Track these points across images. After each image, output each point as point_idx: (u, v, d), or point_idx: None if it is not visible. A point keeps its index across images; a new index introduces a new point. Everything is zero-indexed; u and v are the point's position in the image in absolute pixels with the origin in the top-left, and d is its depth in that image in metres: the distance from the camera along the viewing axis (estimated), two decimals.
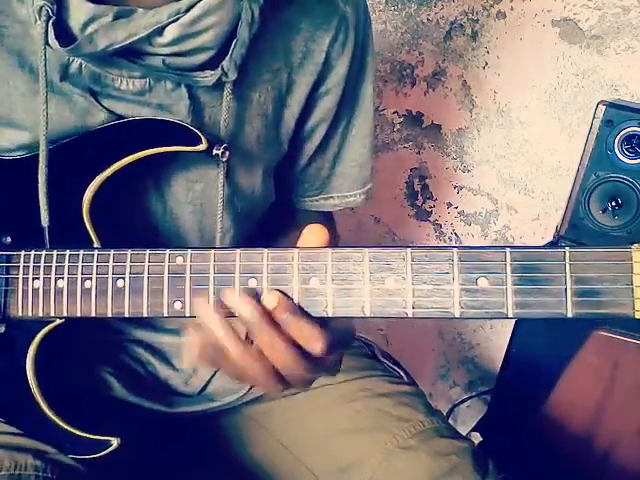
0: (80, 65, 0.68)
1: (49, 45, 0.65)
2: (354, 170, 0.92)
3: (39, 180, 0.68)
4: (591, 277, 0.49)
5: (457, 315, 0.52)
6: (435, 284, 0.52)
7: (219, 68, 0.69)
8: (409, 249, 0.53)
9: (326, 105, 0.84)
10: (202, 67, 0.70)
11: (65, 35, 0.65)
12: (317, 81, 0.81)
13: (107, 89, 0.70)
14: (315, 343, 0.55)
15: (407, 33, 1.51)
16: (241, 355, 0.56)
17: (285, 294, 0.56)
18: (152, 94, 0.71)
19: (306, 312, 0.56)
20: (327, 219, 0.98)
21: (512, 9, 1.39)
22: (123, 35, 0.64)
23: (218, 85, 0.71)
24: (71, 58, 0.68)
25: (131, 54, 0.67)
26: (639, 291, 0.48)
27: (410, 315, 0.53)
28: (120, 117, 0.71)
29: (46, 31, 0.64)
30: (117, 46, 0.64)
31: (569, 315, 0.50)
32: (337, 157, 0.91)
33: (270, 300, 0.56)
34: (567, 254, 0.50)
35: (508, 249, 0.51)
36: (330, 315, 0.55)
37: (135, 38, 0.64)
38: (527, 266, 0.51)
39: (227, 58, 0.69)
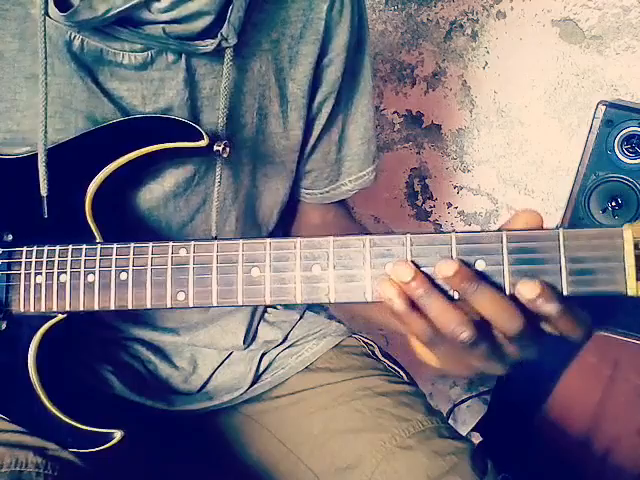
0: (82, 42, 0.68)
1: (49, 15, 0.66)
2: (362, 147, 0.91)
3: (38, 149, 0.67)
4: (584, 256, 0.50)
5: (456, 297, 0.52)
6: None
7: (218, 35, 0.70)
8: (408, 234, 0.53)
9: (332, 77, 0.84)
10: (202, 37, 0.70)
11: (65, 7, 0.65)
12: (320, 52, 0.81)
13: (109, 67, 0.70)
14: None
15: (407, 33, 1.51)
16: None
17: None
18: (153, 67, 0.71)
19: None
20: (343, 208, 0.98)
21: (512, 9, 1.40)
22: None
23: (218, 55, 0.72)
24: (73, 35, 0.68)
25: (131, 24, 0.67)
26: (631, 269, 0.49)
27: None
28: (119, 104, 0.71)
29: (46, 1, 0.65)
30: (116, 11, 0.65)
31: (564, 293, 0.50)
32: (342, 137, 0.90)
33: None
34: (561, 234, 0.50)
35: (504, 232, 0.51)
36: (332, 301, 0.55)
37: (133, 2, 0.65)
38: (523, 247, 0.51)
39: (225, 24, 0.69)
